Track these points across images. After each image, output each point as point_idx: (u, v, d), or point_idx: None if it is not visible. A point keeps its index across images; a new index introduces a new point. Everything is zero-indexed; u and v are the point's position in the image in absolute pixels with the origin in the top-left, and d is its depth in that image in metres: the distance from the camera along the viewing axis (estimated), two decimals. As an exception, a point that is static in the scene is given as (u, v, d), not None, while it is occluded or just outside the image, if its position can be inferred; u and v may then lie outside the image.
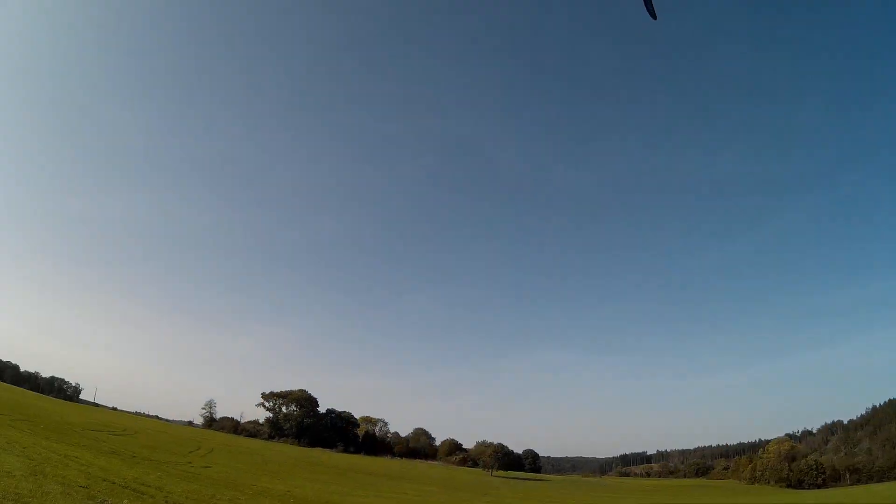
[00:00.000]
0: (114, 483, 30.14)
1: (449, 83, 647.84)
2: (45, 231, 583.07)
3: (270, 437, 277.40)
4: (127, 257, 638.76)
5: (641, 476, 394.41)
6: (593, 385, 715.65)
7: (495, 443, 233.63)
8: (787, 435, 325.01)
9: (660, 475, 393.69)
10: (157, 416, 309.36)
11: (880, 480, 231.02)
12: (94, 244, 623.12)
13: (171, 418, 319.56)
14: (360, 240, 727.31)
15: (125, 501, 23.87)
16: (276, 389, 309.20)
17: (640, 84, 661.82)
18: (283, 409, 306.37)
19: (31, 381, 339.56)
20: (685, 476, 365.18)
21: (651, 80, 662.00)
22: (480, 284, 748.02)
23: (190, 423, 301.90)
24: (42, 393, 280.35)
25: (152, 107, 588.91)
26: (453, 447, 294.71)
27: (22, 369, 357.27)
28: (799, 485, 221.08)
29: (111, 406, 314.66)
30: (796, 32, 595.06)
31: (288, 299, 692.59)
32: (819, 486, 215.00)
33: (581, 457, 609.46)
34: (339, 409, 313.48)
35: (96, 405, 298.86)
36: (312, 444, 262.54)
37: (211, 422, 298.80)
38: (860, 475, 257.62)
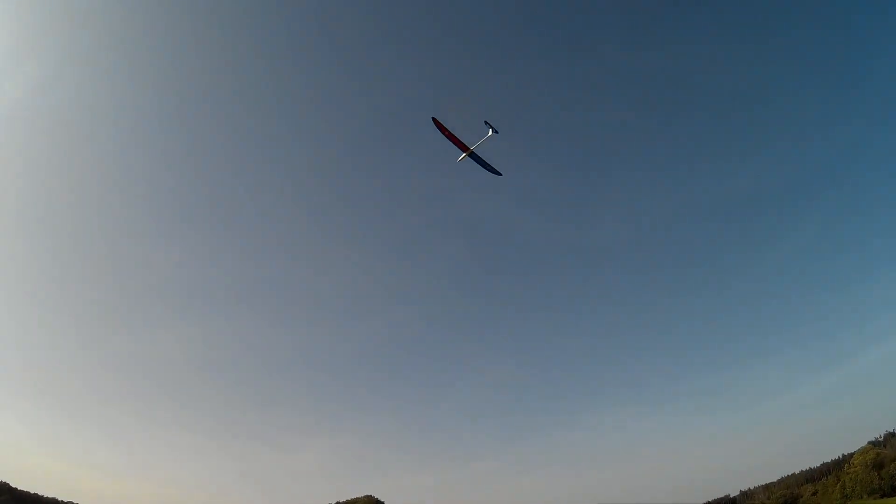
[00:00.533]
0: None
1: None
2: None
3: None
4: (173, 390, 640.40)
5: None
6: (657, 437, 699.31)
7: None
8: (869, 443, 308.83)
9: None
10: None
11: None
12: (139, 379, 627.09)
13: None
14: (400, 338, 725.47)
15: None
16: (342, 499, 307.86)
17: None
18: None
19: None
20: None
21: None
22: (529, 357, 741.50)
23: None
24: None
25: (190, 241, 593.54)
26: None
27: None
28: (893, 492, 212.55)
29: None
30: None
31: (339, 408, 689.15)
32: None
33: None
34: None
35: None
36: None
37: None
38: None
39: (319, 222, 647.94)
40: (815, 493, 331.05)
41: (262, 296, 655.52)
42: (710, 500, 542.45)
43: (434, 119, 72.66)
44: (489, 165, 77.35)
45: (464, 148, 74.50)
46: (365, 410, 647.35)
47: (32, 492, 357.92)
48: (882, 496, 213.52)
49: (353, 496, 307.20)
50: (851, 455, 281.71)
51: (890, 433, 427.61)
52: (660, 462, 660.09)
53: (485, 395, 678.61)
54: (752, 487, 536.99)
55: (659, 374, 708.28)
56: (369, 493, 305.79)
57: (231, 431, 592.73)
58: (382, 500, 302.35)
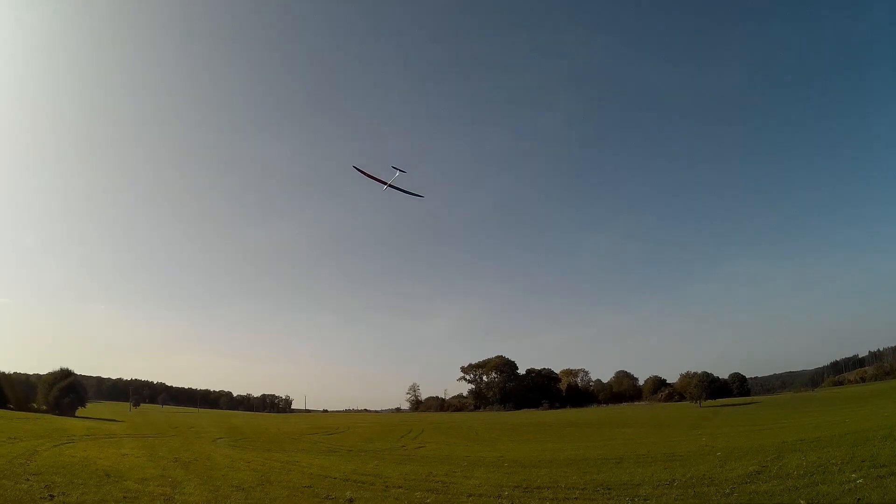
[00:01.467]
0: (335, 478, 31.35)
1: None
2: (227, 257, 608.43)
3: (476, 408, 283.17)
4: (310, 269, 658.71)
5: (856, 383, 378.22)
6: (788, 290, 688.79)
7: (699, 372, 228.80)
8: None
9: (875, 378, 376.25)
10: (365, 410, 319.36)
11: None
12: (276, 264, 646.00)
13: (379, 409, 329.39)
14: (529, 194, 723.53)
15: (347, 493, 24.35)
16: (474, 361, 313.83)
17: None
18: (484, 378, 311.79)
19: (245, 404, 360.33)
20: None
21: None
22: (658, 205, 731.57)
23: (398, 410, 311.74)
24: (256, 411, 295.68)
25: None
26: (657, 384, 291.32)
27: (235, 394, 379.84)
28: None
29: (321, 409, 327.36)
30: None
31: (471, 273, 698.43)
32: None
33: (789, 371, 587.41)
34: (538, 367, 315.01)
35: (308, 412, 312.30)
36: (518, 407, 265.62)
37: (417, 404, 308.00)
38: None
39: (433, 91, 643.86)
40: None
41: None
42: (837, 360, 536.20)
43: (354, 167, 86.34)
44: (409, 192, 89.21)
45: (383, 182, 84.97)
46: (493, 275, 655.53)
47: (186, 387, 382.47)
48: None
49: (486, 357, 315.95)
50: None
51: None
52: (790, 319, 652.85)
53: (615, 249, 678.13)
54: (882, 348, 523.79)
55: (796, 223, 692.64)
56: (500, 354, 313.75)
57: (367, 308, 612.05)
58: (513, 360, 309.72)
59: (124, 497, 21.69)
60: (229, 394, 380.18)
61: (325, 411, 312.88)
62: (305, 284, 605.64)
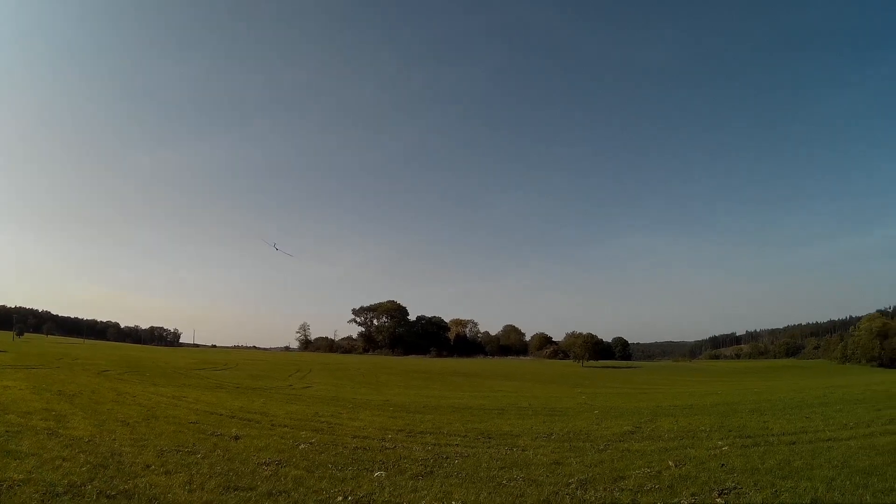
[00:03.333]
0: (221, 415, 31.36)
1: None
2: (116, 186, 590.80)
3: (365, 351, 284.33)
4: (205, 201, 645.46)
5: (731, 358, 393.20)
6: (679, 267, 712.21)
7: (585, 333, 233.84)
8: (879, 311, 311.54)
9: (749, 356, 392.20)
10: (254, 347, 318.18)
11: None
12: (167, 194, 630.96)
13: (268, 346, 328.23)
14: (441, 146, 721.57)
15: (234, 430, 24.60)
16: (367, 304, 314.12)
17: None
18: (375, 321, 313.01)
19: (133, 336, 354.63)
20: (775, 357, 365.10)
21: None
22: (563, 174, 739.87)
23: (287, 348, 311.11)
24: (144, 344, 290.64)
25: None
26: (544, 341, 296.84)
27: (122, 325, 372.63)
28: (892, 364, 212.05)
29: (210, 344, 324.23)
30: None
31: (372, 217, 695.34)
32: None
33: (670, 341, 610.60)
34: (429, 315, 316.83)
35: (196, 346, 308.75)
36: (406, 353, 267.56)
37: (307, 344, 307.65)
38: None
39: (343, 33, 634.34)
40: (816, 348, 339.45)
41: (291, 102, 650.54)
42: (716, 335, 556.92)
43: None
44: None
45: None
46: (393, 222, 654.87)
47: (73, 316, 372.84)
48: (879, 365, 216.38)
49: (378, 301, 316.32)
50: (859, 319, 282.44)
51: None
52: (676, 293, 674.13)
53: (520, 208, 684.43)
54: (758, 329, 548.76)
55: (696, 206, 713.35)
56: (392, 299, 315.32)
57: (259, 245, 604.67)
58: (405, 306, 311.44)
59: (6, 431, 21.43)
60: (117, 325, 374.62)
61: (214, 346, 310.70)
62: (198, 216, 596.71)
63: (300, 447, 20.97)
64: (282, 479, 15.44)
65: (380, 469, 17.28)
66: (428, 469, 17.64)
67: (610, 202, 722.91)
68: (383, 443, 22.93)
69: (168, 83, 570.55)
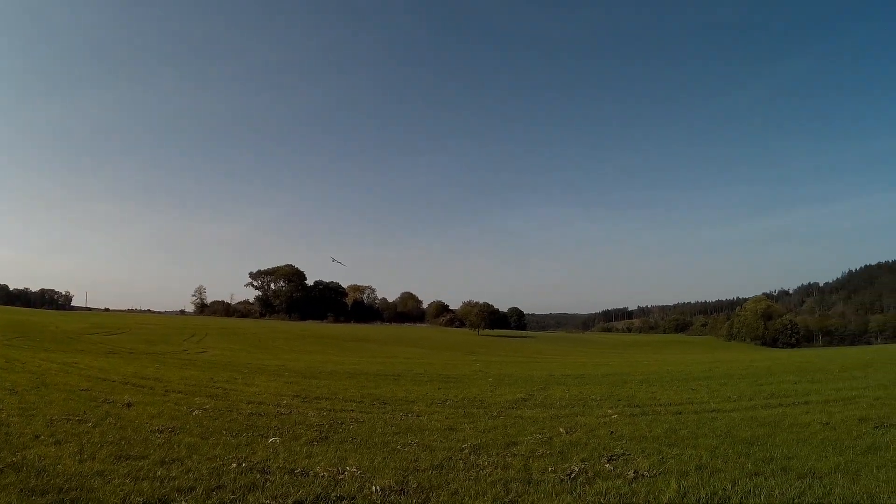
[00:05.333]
0: (114, 381, 30.86)
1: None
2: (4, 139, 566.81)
3: (262, 315, 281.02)
4: (98, 157, 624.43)
5: (623, 331, 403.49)
6: (576, 241, 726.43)
7: (481, 302, 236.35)
8: (764, 294, 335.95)
9: (640, 330, 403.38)
10: (149, 311, 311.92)
11: (852, 343, 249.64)
12: (60, 149, 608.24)
13: (163, 310, 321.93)
14: (330, 112, 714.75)
15: (126, 397, 24.18)
16: (264, 267, 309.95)
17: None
18: (272, 286, 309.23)
19: (23, 298, 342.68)
20: (664, 332, 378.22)
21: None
22: (463, 144, 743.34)
23: (182, 312, 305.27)
24: (34, 307, 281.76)
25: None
26: (440, 309, 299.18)
27: (11, 288, 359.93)
28: (773, 343, 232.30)
29: (103, 308, 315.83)
30: None
31: (272, 178, 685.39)
32: (792, 346, 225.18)
33: (565, 313, 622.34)
34: (327, 280, 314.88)
35: (89, 309, 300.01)
36: (303, 318, 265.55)
37: (202, 307, 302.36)
38: (832, 337, 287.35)
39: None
40: (704, 325, 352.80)
41: (192, 56, 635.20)
42: (609, 309, 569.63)
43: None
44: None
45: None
46: (293, 183, 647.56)
47: None
48: (762, 344, 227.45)
49: (276, 265, 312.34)
50: (746, 300, 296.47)
51: (784, 291, 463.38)
52: (573, 266, 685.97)
53: (423, 174, 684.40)
54: (650, 305, 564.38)
55: (599, 181, 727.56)
56: (290, 263, 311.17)
57: (154, 203, 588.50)
58: (303, 271, 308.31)
59: None
60: (5, 287, 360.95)
61: (107, 310, 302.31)
62: (91, 171, 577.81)
63: (194, 413, 20.75)
64: (175, 446, 15.27)
65: (274, 435, 17.24)
66: (323, 434, 17.68)
67: (512, 173, 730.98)
68: (278, 408, 22.85)
69: (65, 32, 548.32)
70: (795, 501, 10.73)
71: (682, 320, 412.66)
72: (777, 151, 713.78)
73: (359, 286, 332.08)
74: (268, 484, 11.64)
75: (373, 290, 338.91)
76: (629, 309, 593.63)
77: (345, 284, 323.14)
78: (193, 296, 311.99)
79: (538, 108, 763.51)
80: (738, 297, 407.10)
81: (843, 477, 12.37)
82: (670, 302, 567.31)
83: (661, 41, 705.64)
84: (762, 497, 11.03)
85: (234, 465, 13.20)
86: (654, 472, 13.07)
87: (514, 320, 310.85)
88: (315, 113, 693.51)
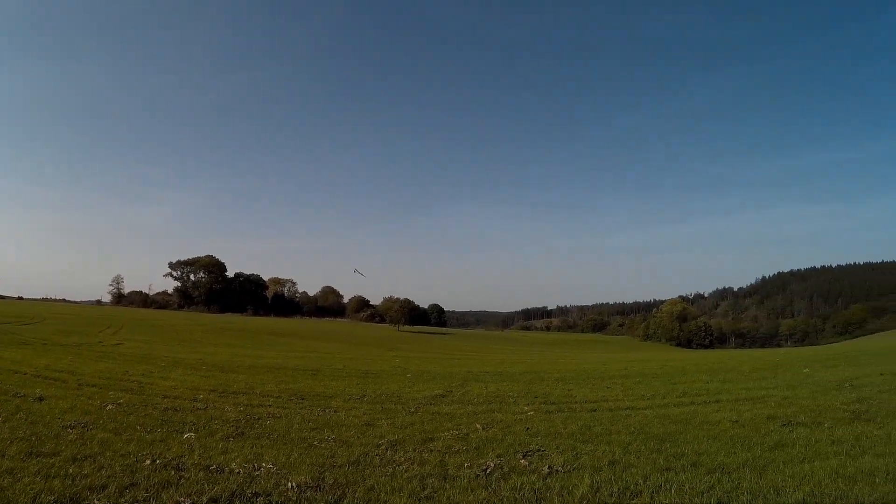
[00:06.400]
0: (25, 374, 30.15)
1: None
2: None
3: (180, 307, 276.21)
4: (11, 135, 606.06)
5: (542, 330, 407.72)
6: (498, 240, 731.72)
7: (402, 298, 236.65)
8: (680, 297, 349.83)
9: (559, 329, 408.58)
10: (64, 300, 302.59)
11: (763, 346, 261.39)
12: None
13: (79, 300, 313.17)
14: (260, 100, 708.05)
15: (38, 390, 23.66)
16: (184, 258, 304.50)
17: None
18: (192, 276, 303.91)
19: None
20: (583, 331, 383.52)
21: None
22: (385, 140, 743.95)
23: (98, 302, 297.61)
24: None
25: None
26: (361, 304, 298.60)
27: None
28: (688, 344, 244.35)
29: (16, 296, 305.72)
30: None
31: (193, 164, 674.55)
32: (706, 347, 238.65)
33: (485, 311, 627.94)
34: (248, 272, 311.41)
35: (1, 297, 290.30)
36: (223, 310, 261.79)
37: (119, 298, 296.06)
38: (744, 339, 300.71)
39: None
40: (621, 325, 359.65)
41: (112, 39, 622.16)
42: (528, 308, 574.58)
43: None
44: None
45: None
46: (216, 169, 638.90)
47: None
48: (677, 345, 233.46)
49: (196, 255, 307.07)
50: (662, 302, 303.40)
51: (699, 294, 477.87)
52: (494, 264, 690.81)
53: (348, 167, 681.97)
54: (568, 305, 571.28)
55: (524, 182, 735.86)
56: (211, 254, 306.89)
57: (68, 184, 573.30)
58: (223, 262, 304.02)
59: None
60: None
61: (21, 298, 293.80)
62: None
63: (108, 408, 20.40)
64: (88, 442, 14.99)
65: (190, 430, 17.05)
66: (239, 430, 17.55)
67: (437, 170, 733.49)
68: (195, 403, 22.59)
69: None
70: (705, 495, 11.00)
71: (599, 320, 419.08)
72: (693, 159, 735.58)
73: (279, 279, 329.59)
74: (182, 481, 11.51)
75: (294, 284, 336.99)
76: (549, 308, 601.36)
77: (266, 277, 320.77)
78: (111, 285, 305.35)
79: (465, 106, 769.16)
80: (654, 299, 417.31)
81: (750, 472, 12.72)
82: (589, 302, 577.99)
83: (584, 50, 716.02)
84: (673, 491, 11.28)
85: (148, 461, 13.01)
86: (569, 467, 13.27)
87: (434, 317, 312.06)
88: (239, 100, 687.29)
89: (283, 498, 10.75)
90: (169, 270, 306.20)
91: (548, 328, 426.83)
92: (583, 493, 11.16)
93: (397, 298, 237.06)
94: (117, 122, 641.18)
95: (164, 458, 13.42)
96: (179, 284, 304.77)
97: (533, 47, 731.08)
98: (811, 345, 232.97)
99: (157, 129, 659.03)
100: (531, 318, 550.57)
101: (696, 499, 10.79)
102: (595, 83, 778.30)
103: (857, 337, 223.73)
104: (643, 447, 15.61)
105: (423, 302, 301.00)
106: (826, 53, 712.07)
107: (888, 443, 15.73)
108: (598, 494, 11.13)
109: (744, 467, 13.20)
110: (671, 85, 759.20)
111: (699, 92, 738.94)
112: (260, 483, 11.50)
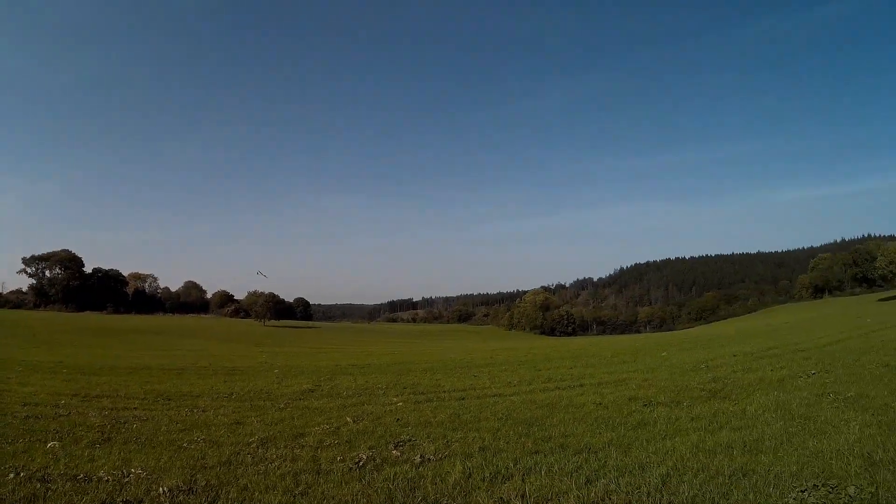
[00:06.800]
0: None
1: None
2: None
3: (36, 306, 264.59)
4: None
5: (408, 322, 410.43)
6: (363, 232, 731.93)
7: (266, 292, 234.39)
8: (542, 287, 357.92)
9: (425, 320, 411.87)
10: None
11: (622, 332, 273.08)
12: None
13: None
14: (124, 81, 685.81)
15: None
16: (39, 252, 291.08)
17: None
18: (48, 273, 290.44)
19: None
20: (448, 322, 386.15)
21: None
22: (252, 128, 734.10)
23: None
24: None
25: None
26: (225, 299, 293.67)
27: None
28: (552, 332, 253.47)
29: None
30: None
31: (46, 150, 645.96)
32: (569, 334, 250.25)
33: (351, 304, 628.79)
34: (107, 267, 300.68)
35: None
36: (81, 308, 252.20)
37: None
38: (605, 326, 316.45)
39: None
40: (486, 315, 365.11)
41: None
42: (394, 300, 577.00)
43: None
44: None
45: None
46: (73, 160, 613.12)
47: None
48: (541, 333, 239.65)
49: (50, 250, 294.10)
50: (525, 293, 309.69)
51: (561, 284, 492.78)
52: (360, 256, 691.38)
53: (202, 159, 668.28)
54: (434, 297, 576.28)
55: (392, 172, 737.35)
56: (67, 248, 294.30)
57: None
58: (80, 256, 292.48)
59: None
60: None
61: None
62: None
63: (-37, 421, 19.52)
64: (-57, 459, 14.33)
65: (53, 439, 16.55)
66: (105, 436, 17.14)
67: (295, 160, 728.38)
68: (57, 409, 21.90)
69: None
70: (574, 475, 11.35)
71: (465, 311, 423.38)
72: (563, 160, 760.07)
73: (140, 274, 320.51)
74: (49, 493, 11.19)
75: (155, 279, 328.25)
76: (414, 300, 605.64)
77: (125, 272, 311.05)
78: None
79: (336, 98, 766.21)
80: (518, 290, 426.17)
81: (616, 450, 13.21)
82: (454, 293, 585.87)
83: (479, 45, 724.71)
84: (543, 472, 11.60)
85: (11, 475, 12.57)
86: (440, 455, 13.47)
87: (300, 311, 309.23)
88: (93, 83, 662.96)
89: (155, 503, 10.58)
90: (23, 267, 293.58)
91: (414, 319, 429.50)
92: (455, 479, 11.36)
93: (262, 293, 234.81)
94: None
95: (29, 469, 12.99)
96: (34, 282, 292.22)
97: (411, 36, 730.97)
98: (668, 330, 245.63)
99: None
100: (397, 310, 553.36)
101: (565, 479, 11.12)
102: (463, 76, 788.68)
103: (710, 322, 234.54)
104: (512, 432, 15.97)
105: (289, 296, 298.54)
106: (683, 61, 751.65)
107: (743, 417, 16.59)
108: (470, 480, 11.34)
109: (609, 446, 13.69)
110: (537, 84, 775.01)
111: (560, 93, 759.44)
112: (130, 490, 11.28)
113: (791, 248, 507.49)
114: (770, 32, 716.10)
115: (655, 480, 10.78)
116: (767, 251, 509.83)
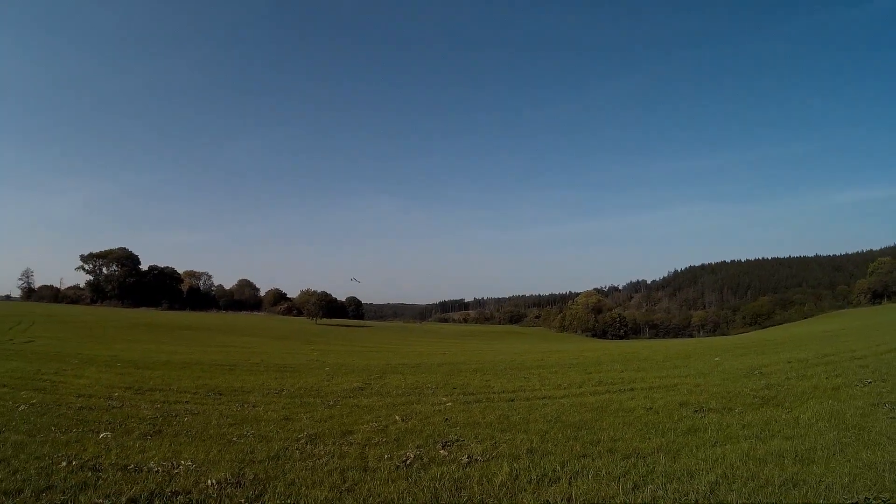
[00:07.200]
0: (-74, 377, 28.78)
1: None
2: None
3: (93, 302, 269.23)
4: None
5: (459, 322, 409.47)
6: (415, 233, 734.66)
7: (319, 291, 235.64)
8: (595, 289, 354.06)
9: (476, 321, 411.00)
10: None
11: (675, 336, 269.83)
12: None
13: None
14: (180, 88, 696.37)
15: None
16: (96, 250, 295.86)
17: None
18: (104, 270, 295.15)
19: None
20: (499, 323, 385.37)
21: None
22: (304, 131, 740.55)
23: (7, 297, 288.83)
24: None
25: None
26: (278, 297, 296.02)
27: None
28: (603, 335, 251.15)
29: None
30: None
31: (106, 152, 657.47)
32: (621, 337, 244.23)
33: (402, 303, 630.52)
34: (162, 265, 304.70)
35: None
36: (137, 305, 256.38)
37: (30, 293, 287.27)
38: (658, 330, 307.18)
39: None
40: (537, 317, 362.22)
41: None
42: (446, 300, 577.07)
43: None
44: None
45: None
46: (132, 157, 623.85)
47: None
48: (592, 335, 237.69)
49: (109, 248, 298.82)
50: (577, 295, 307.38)
51: (614, 287, 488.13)
52: (415, 256, 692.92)
53: (262, 158, 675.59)
54: (485, 297, 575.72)
55: (437, 176, 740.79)
56: (124, 246, 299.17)
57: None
58: (137, 254, 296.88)
59: None
60: None
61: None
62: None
63: (21, 409, 19.91)
64: (0, 445, 14.61)
65: (106, 430, 16.77)
66: (156, 428, 17.32)
67: (350, 163, 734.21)
68: (110, 401, 22.18)
69: None
70: (621, 479, 11.27)
71: (516, 312, 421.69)
72: (608, 162, 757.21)
73: (195, 272, 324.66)
74: (100, 482, 11.33)
75: (209, 277, 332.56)
76: (466, 300, 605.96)
77: (180, 270, 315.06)
78: (20, 280, 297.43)
79: (373, 98, 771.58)
80: (570, 292, 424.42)
81: (664, 456, 13.06)
82: (505, 294, 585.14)
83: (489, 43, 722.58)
84: (590, 476, 11.53)
85: (63, 463, 12.76)
86: (488, 456, 13.44)
87: (351, 310, 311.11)
88: (152, 89, 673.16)
89: (202, 496, 10.66)
90: (80, 263, 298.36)
91: (465, 320, 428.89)
92: (502, 480, 11.33)
93: (314, 291, 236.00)
94: (21, 107, 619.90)
95: (81, 459, 13.17)
96: (92, 278, 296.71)
97: (449, 36, 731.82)
98: (722, 335, 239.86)
99: (59, 117, 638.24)
100: (448, 310, 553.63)
101: (612, 484, 11.04)
102: (517, 79, 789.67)
103: (765, 327, 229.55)
104: (560, 435, 15.87)
105: (342, 295, 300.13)
106: (736, 62, 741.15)
107: (796, 426, 16.27)
108: (516, 482, 11.30)
109: (658, 452, 13.54)
110: (585, 84, 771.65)
111: (610, 94, 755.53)
112: (179, 481, 11.39)
113: (849, 252, 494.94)
114: (827, 28, 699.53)
115: (704, 488, 10.66)
116: (825, 254, 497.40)
